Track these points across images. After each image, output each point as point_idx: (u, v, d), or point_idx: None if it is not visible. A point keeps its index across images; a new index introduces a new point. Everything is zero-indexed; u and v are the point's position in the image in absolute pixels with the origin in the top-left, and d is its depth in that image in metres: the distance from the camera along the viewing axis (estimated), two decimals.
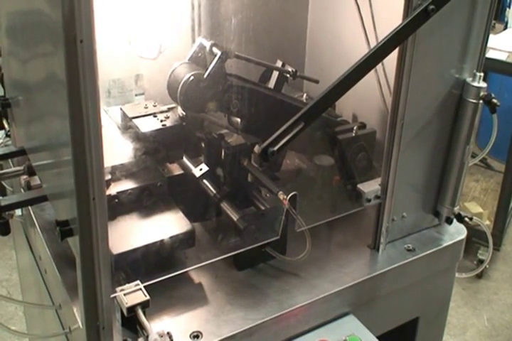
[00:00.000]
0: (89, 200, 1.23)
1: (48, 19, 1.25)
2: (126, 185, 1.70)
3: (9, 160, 2.01)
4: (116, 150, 1.74)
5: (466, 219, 1.89)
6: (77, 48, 1.12)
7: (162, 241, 1.58)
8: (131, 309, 1.38)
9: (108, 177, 1.65)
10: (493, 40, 3.83)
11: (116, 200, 1.66)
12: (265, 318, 1.57)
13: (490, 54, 3.68)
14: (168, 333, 1.37)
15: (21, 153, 1.88)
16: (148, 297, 1.40)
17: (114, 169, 1.69)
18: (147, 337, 1.35)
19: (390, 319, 1.89)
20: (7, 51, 1.92)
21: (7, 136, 2.18)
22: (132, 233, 1.62)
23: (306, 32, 2.24)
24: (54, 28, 1.18)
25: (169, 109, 1.85)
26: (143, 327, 1.38)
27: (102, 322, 1.35)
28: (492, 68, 3.74)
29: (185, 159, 1.84)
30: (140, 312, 1.39)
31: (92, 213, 1.24)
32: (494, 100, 1.72)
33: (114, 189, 1.67)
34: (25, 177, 1.80)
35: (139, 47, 1.93)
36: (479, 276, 4.12)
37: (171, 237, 1.60)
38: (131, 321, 1.41)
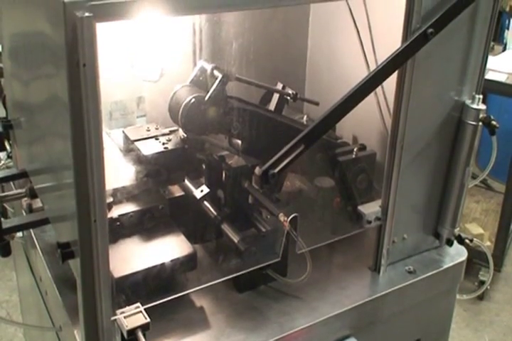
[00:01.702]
0: (91, 222, 1.23)
1: (51, 42, 1.27)
2: (128, 207, 1.70)
3: (11, 182, 2.01)
4: (118, 172, 1.74)
5: (467, 240, 1.89)
6: (80, 72, 1.13)
7: (163, 264, 1.58)
8: (132, 332, 1.37)
9: (110, 200, 1.65)
10: (493, 61, 3.84)
11: (118, 223, 1.66)
12: None
13: (489, 75, 3.69)
14: None
15: (23, 175, 1.89)
16: (148, 319, 1.39)
17: (115, 192, 1.69)
18: None
19: None
20: (10, 72, 1.94)
21: (9, 157, 2.19)
22: (134, 256, 1.61)
23: (306, 55, 2.26)
24: (57, 51, 1.19)
25: (171, 132, 1.86)
26: None
27: None
28: (491, 90, 3.75)
29: (186, 181, 1.84)
30: (140, 334, 1.38)
31: (93, 235, 1.24)
32: (493, 122, 1.73)
33: (115, 212, 1.67)
34: (26, 199, 1.80)
35: (141, 70, 1.95)
36: (480, 298, 4.09)
37: (172, 260, 1.59)
38: None
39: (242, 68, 1.73)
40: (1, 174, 1.93)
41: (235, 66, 1.72)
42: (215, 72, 1.74)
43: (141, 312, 1.40)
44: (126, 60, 1.91)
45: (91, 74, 1.13)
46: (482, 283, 3.96)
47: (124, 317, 1.38)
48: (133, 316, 1.39)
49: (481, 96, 1.73)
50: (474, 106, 1.72)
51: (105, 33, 1.17)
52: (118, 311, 1.39)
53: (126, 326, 1.37)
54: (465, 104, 1.73)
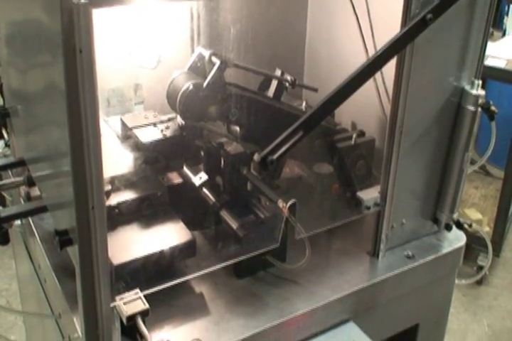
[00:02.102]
0: (89, 209, 1.23)
1: (47, 29, 1.26)
2: (127, 195, 1.69)
3: (9, 170, 2.01)
4: (117, 160, 1.74)
5: (466, 225, 1.89)
6: (77, 58, 1.12)
7: (163, 251, 1.58)
8: (131, 318, 1.38)
9: (108, 187, 1.65)
10: (492, 47, 3.83)
11: (117, 211, 1.66)
12: (265, 326, 1.57)
13: (488, 61, 3.68)
14: None
15: (21, 163, 1.88)
16: (147, 306, 1.39)
17: (114, 179, 1.69)
18: None
19: (390, 326, 1.89)
20: (6, 61, 1.93)
21: (6, 145, 2.18)
22: (133, 243, 1.62)
23: (305, 41, 2.25)
24: (53, 37, 1.18)
25: (169, 119, 1.85)
26: (143, 336, 1.37)
27: (102, 331, 1.35)
28: (491, 76, 3.75)
29: (184, 168, 1.84)
30: (140, 321, 1.38)
31: (92, 222, 1.24)
32: (493, 107, 1.73)
33: (114, 199, 1.67)
34: (24, 188, 1.80)
35: (139, 56, 1.94)
36: (479, 282, 4.11)
37: (171, 247, 1.60)
38: (131, 330, 1.40)
39: (241, 54, 1.72)
40: None
41: (233, 52, 1.71)
42: (213, 59, 1.73)
43: (140, 298, 1.41)
44: (123, 46, 1.90)
45: (87, 60, 1.12)
46: (481, 268, 3.98)
47: (124, 304, 1.39)
48: (132, 302, 1.39)
49: (480, 82, 1.73)
50: (473, 91, 1.72)
51: (101, 19, 1.16)
52: (117, 297, 1.40)
53: (126, 312, 1.37)
54: (464, 89, 1.73)
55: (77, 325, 1.49)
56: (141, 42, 1.92)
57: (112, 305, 1.37)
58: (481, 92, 1.72)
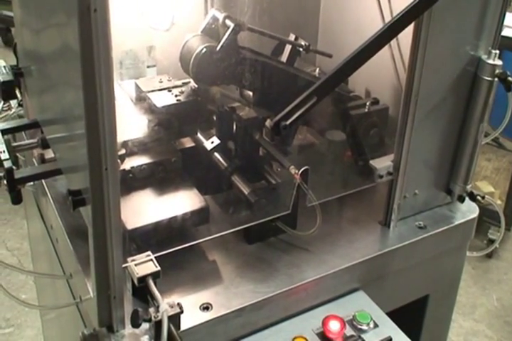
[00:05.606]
0: (102, 170, 1.23)
1: None
2: (141, 160, 1.69)
3: (22, 132, 2.01)
4: (131, 125, 1.74)
5: (479, 197, 1.88)
6: (91, 18, 1.11)
7: (176, 217, 1.59)
8: (142, 279, 1.39)
9: (122, 151, 1.65)
10: (510, 18, 3.77)
11: (130, 175, 1.66)
12: (275, 292, 1.58)
13: (505, 32, 3.62)
14: (178, 304, 1.38)
15: (34, 125, 1.88)
16: (159, 268, 1.41)
17: (128, 144, 1.69)
18: (158, 307, 1.36)
19: (399, 296, 1.90)
20: (20, 21, 1.92)
21: (19, 105, 2.18)
22: (146, 209, 1.62)
23: (320, 5, 2.22)
24: None
25: (184, 84, 1.84)
26: (153, 298, 1.38)
27: (113, 292, 1.36)
28: (508, 46, 3.69)
29: (198, 133, 1.83)
30: (151, 282, 1.40)
31: (105, 183, 1.24)
32: (510, 78, 1.70)
33: (128, 164, 1.67)
34: (38, 149, 1.80)
35: (152, 18, 1.92)
36: (489, 256, 4.12)
37: (184, 214, 1.60)
38: (142, 291, 1.42)
39: (255, 18, 1.71)
40: (12, 124, 1.92)
41: (247, 15, 1.69)
42: (227, 22, 1.71)
43: (151, 260, 1.42)
44: (137, 7, 1.88)
45: (102, 20, 1.11)
46: (491, 241, 3.98)
47: (135, 265, 1.40)
48: (144, 264, 1.41)
49: (497, 52, 1.70)
50: (490, 61, 1.70)
51: None
52: (129, 259, 1.41)
53: (137, 273, 1.39)
54: (481, 59, 1.71)
55: (89, 285, 1.50)
56: (155, 4, 1.90)
57: (123, 266, 1.38)
58: (498, 62, 1.69)
